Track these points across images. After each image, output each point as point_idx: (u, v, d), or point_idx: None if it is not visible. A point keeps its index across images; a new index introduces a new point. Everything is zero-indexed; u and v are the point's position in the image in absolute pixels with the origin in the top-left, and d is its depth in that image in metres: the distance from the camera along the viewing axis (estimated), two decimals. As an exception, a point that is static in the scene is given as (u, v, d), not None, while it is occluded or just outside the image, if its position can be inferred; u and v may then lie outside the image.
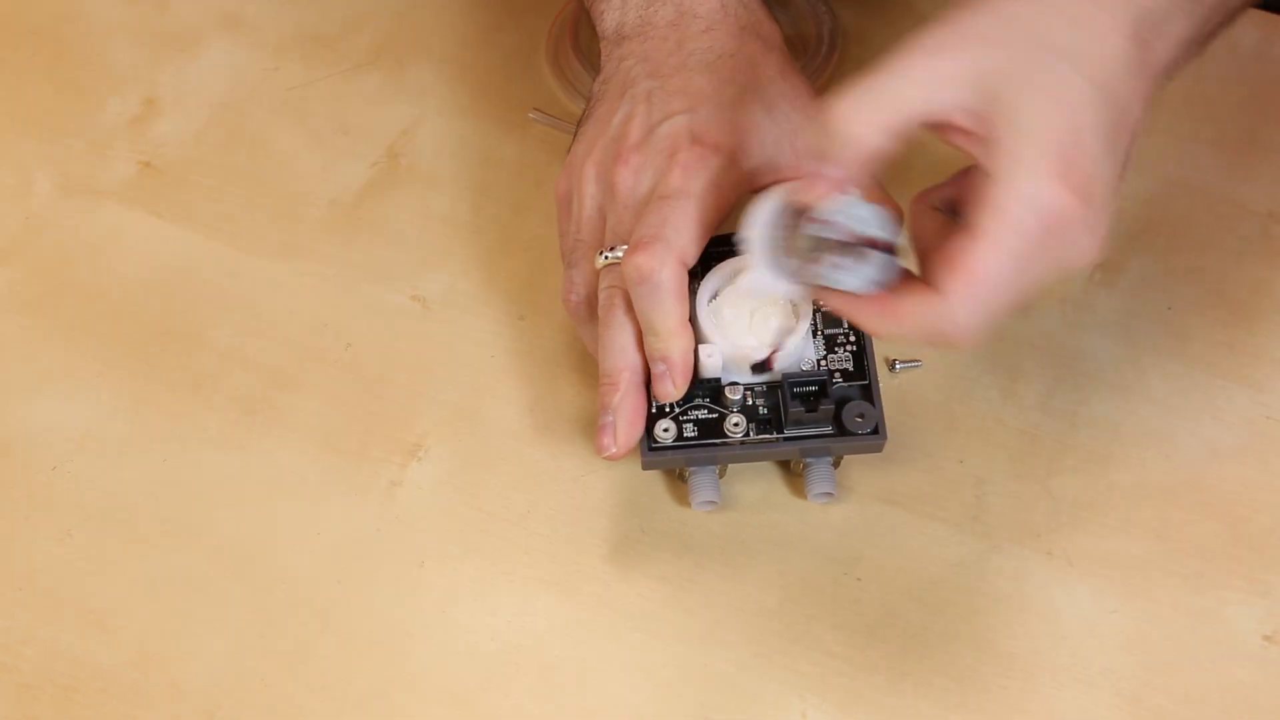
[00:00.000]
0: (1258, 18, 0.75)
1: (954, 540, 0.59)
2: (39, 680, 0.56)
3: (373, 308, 0.68)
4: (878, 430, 0.56)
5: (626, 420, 0.56)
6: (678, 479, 0.60)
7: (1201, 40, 0.54)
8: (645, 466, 0.57)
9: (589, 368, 0.64)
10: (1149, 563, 0.58)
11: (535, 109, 0.74)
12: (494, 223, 0.70)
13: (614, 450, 0.56)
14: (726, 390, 0.56)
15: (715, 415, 0.56)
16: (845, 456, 0.59)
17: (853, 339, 0.58)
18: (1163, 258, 0.68)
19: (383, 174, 0.73)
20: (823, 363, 0.58)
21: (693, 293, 0.57)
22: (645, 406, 0.57)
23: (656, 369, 0.56)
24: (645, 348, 0.56)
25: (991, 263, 0.48)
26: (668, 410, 0.56)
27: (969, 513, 0.59)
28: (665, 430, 0.56)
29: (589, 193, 0.60)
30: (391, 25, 0.81)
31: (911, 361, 0.60)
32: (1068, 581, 0.57)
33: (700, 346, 0.56)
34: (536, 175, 0.71)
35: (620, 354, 0.57)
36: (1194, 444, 0.61)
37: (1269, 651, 0.55)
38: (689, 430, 0.56)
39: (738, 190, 0.58)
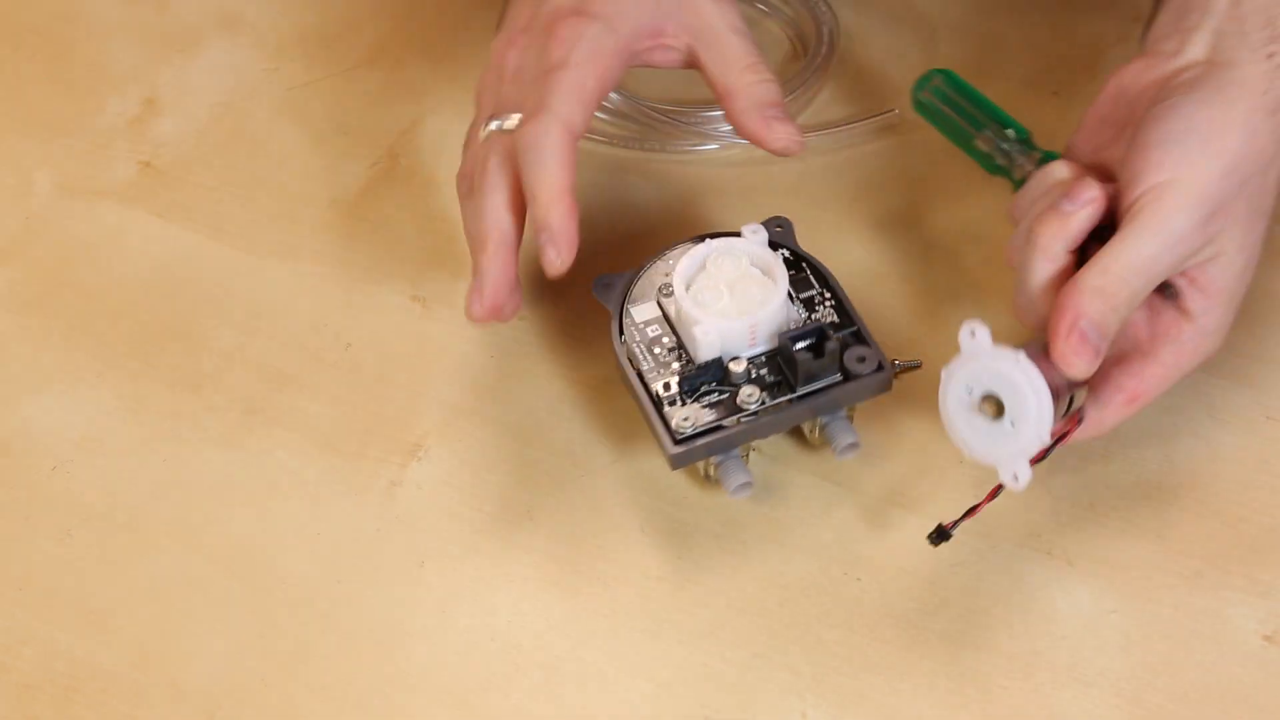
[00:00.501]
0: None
1: (954, 540, 0.58)
2: (39, 680, 0.56)
3: (373, 308, 0.68)
4: (881, 366, 0.57)
5: (493, 280, 0.57)
6: (704, 479, 0.60)
7: None
8: (675, 466, 0.57)
9: (588, 367, 0.64)
10: (1149, 563, 0.58)
11: (535, 109, 0.74)
12: (494, 223, 0.70)
13: (479, 311, 0.57)
14: (730, 366, 0.57)
15: (726, 394, 0.57)
16: (859, 413, 0.60)
17: (828, 295, 0.59)
18: (1163, 258, 0.68)
19: (383, 174, 0.73)
20: (808, 321, 0.59)
21: (668, 293, 0.59)
22: (514, 270, 0.58)
23: (540, 238, 0.56)
24: (531, 218, 0.57)
25: (1154, 390, 0.55)
26: (683, 402, 0.57)
27: (969, 513, 0.59)
28: (686, 419, 0.56)
29: (486, 81, 0.63)
30: (391, 25, 0.81)
31: (911, 362, 0.60)
32: (1068, 581, 0.57)
33: (695, 328, 0.57)
34: (536, 175, 0.71)
35: (490, 214, 0.58)
36: (1194, 444, 0.61)
37: (1269, 651, 0.55)
38: (707, 416, 0.56)
39: (619, 55, 0.60)
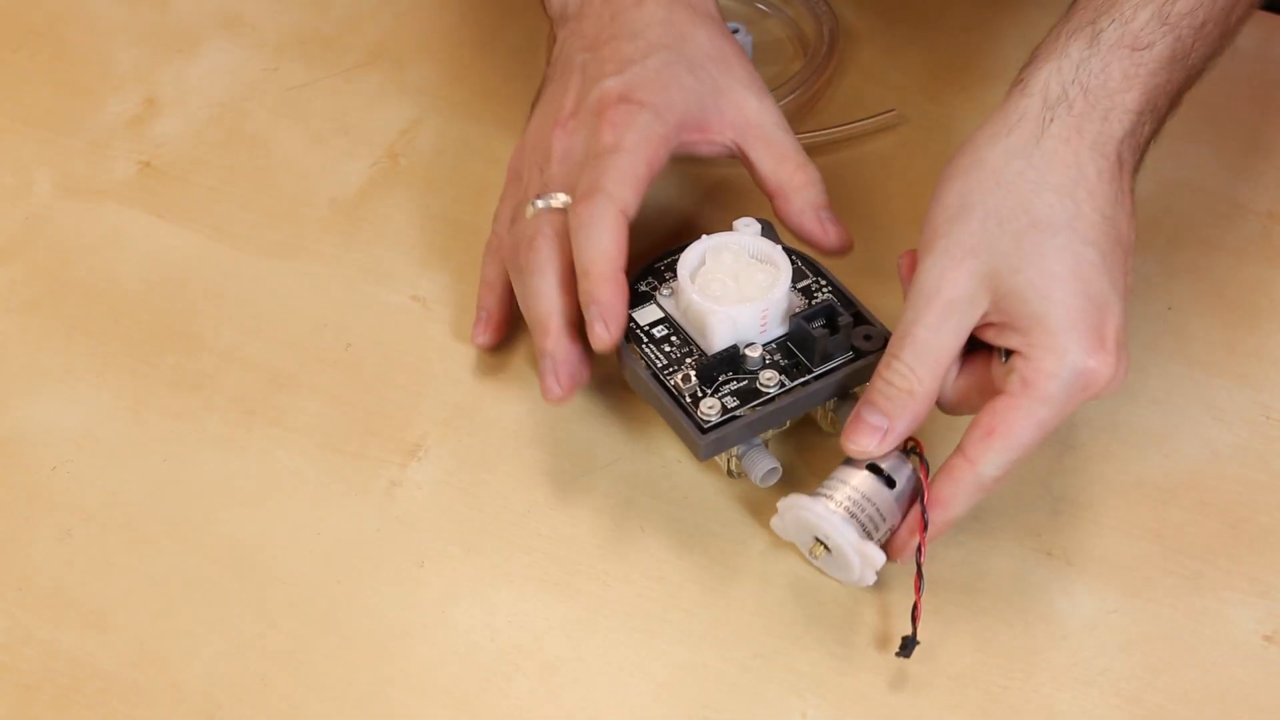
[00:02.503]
0: (1257, 18, 0.74)
1: (954, 540, 0.59)
2: (39, 680, 0.56)
3: (373, 308, 0.68)
4: (888, 343, 0.58)
5: (565, 362, 0.58)
6: (728, 475, 0.60)
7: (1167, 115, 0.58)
8: (704, 456, 0.57)
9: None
10: (1149, 562, 0.58)
11: (535, 109, 0.74)
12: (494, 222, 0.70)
13: (558, 392, 0.58)
14: (746, 352, 0.58)
15: (746, 381, 0.57)
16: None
17: (823, 282, 0.61)
18: (1163, 258, 0.68)
19: (383, 174, 0.74)
20: (812, 305, 0.60)
21: (668, 294, 0.60)
22: (580, 346, 0.59)
23: (590, 313, 0.57)
24: (579, 294, 0.58)
25: (1013, 422, 0.52)
26: (703, 393, 0.57)
27: (969, 513, 0.59)
28: (710, 408, 0.56)
29: (532, 160, 0.63)
30: (391, 25, 0.81)
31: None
32: (1068, 581, 0.57)
33: (710, 317, 0.57)
34: (536, 175, 0.71)
35: (545, 299, 0.59)
36: (1194, 444, 0.61)
37: (1269, 651, 0.55)
38: (730, 403, 0.57)
39: (667, 142, 0.61)
